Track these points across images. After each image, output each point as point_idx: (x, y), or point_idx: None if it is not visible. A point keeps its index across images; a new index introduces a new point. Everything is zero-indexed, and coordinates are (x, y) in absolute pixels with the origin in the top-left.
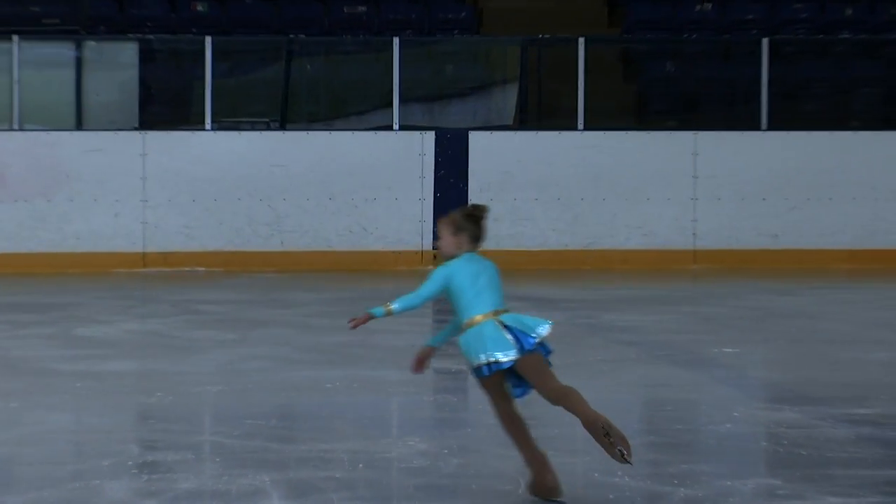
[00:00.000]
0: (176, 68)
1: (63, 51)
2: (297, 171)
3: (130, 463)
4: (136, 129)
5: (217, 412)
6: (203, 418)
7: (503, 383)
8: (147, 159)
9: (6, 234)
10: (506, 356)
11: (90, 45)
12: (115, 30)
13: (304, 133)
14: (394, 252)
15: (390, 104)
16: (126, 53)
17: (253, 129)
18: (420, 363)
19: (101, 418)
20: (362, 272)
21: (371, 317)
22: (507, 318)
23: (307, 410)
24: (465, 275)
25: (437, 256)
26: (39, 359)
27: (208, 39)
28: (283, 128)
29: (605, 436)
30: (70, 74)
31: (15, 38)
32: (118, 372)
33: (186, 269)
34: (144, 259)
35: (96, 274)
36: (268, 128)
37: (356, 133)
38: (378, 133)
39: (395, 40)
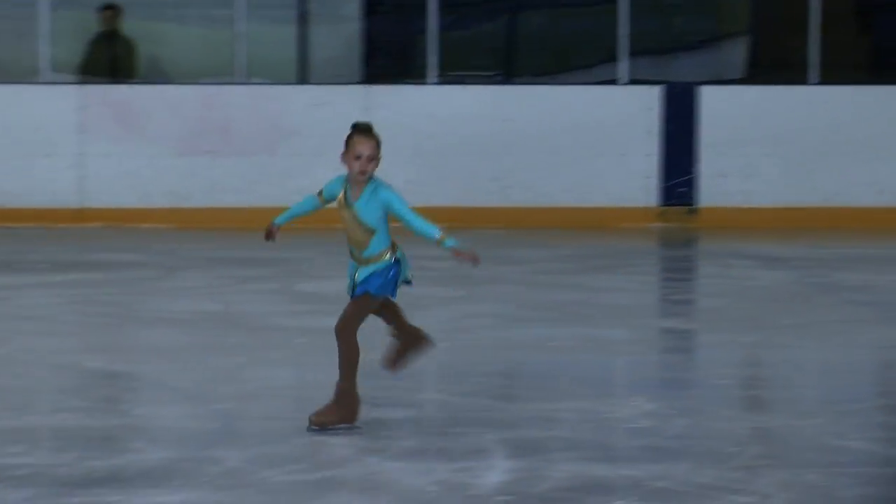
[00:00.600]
0: (399, 21)
1: (287, 4)
2: (521, 126)
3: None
4: (359, 83)
5: (440, 369)
6: (426, 375)
7: None
8: (370, 113)
9: (231, 188)
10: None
11: None
12: None
13: (528, 87)
14: (620, 209)
15: (616, 58)
16: (350, 6)
17: (477, 83)
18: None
19: (324, 374)
20: (587, 229)
21: (471, 255)
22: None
23: (531, 369)
24: None
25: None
26: (262, 314)
27: None
28: (507, 82)
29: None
30: (293, 28)
31: None
32: None
33: None
34: None
35: (318, 229)
36: (492, 82)
37: (582, 87)
38: (604, 87)
39: None
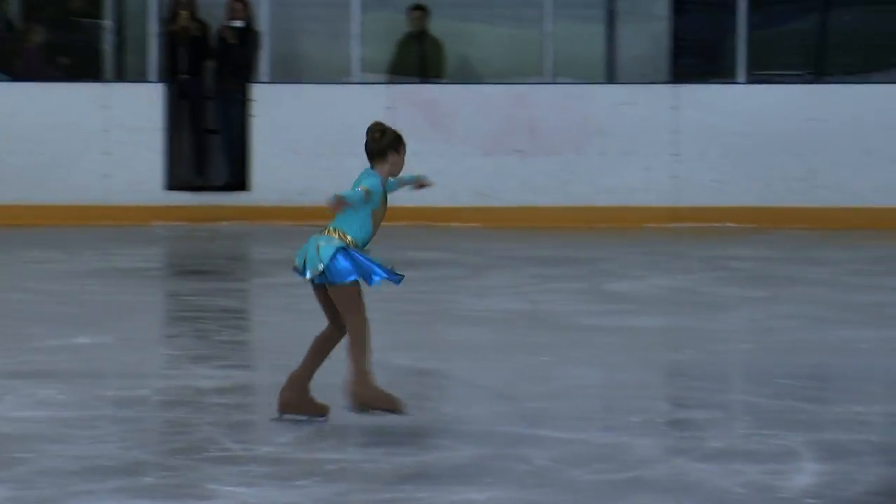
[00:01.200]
0: (708, 20)
1: (595, 3)
2: (831, 125)
3: (660, 420)
4: (666, 82)
5: (747, 370)
6: (733, 376)
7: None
8: (678, 112)
9: (538, 188)
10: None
11: None
12: None
13: (840, 86)
14: None
15: None
16: (658, 5)
17: (786, 81)
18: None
19: (631, 374)
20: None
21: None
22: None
23: (840, 371)
24: None
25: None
26: (569, 313)
27: None
28: (817, 80)
29: None
30: (601, 27)
31: None
32: (647, 328)
33: (716, 224)
34: (675, 214)
35: (626, 228)
36: (802, 80)
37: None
38: None
39: None
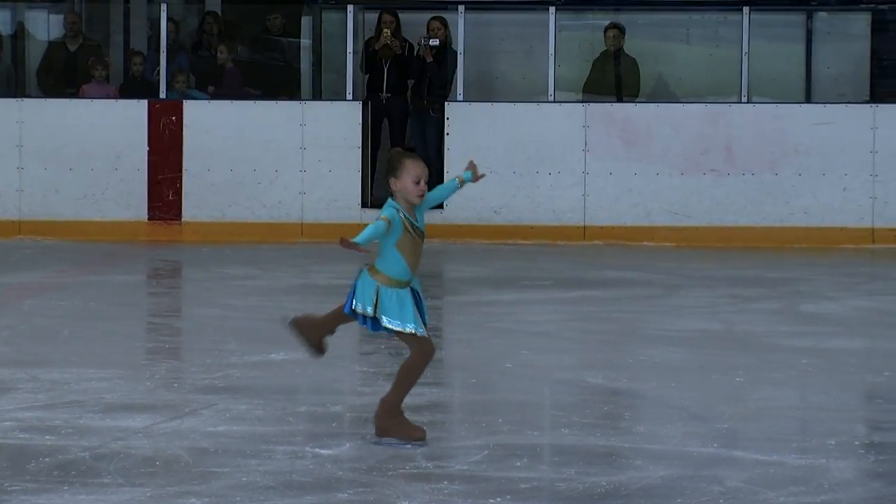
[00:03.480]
0: None
1: (793, 23)
2: None
3: (857, 443)
4: (866, 101)
5: None
6: None
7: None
8: (877, 133)
9: (734, 208)
10: None
11: (820, 17)
12: (846, 0)
13: None
14: None
15: None
16: (857, 24)
17: None
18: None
19: (827, 396)
20: None
21: None
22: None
23: None
24: None
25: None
26: (765, 334)
27: None
28: None
29: None
30: (799, 47)
31: (745, 9)
32: (843, 349)
33: None
34: (872, 235)
35: (822, 249)
36: None
37: None
38: None
39: None
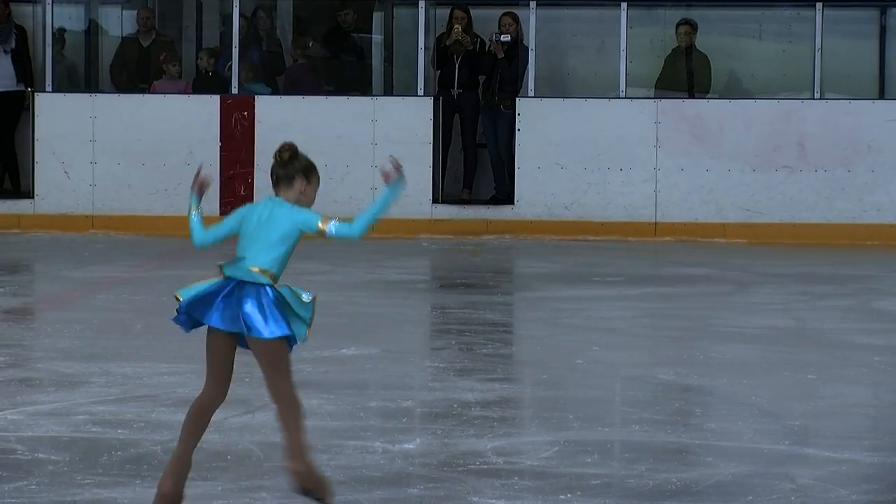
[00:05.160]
0: None
1: (866, 19)
2: None
3: None
4: None
5: None
6: None
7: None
8: None
9: (806, 205)
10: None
11: (894, 13)
12: None
13: None
14: None
15: None
16: None
17: None
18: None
19: None
20: None
21: None
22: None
23: None
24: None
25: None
26: (837, 331)
27: None
28: None
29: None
30: (872, 42)
31: (818, 5)
32: None
33: None
34: None
35: (895, 246)
36: None
37: None
38: None
39: None
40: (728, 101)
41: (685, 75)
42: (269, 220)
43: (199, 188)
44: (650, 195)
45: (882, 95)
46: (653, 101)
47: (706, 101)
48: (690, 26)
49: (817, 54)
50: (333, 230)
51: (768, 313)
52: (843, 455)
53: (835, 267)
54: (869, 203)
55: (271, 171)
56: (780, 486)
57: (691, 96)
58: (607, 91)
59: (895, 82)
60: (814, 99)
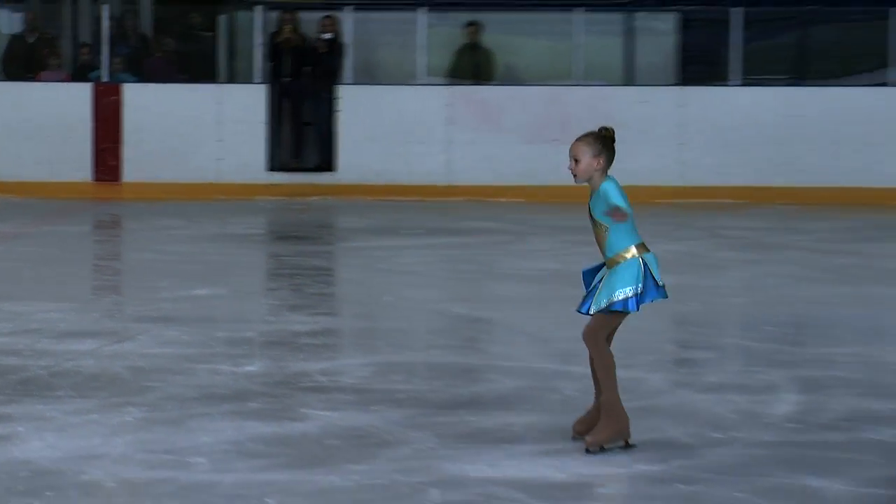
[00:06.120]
0: (709, 34)
1: (615, 20)
2: (809, 120)
3: (667, 359)
4: (675, 84)
5: (739, 319)
6: (727, 324)
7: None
8: (684, 111)
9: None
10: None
11: (638, 16)
12: (659, 2)
13: (818, 88)
14: (891, 189)
15: (886, 65)
16: (667, 23)
17: (773, 84)
18: None
19: (645, 322)
20: (865, 206)
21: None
22: (649, 258)
23: (815, 320)
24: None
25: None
26: None
27: None
28: (799, 84)
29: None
30: (620, 40)
31: (579, 9)
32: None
33: (714, 200)
34: (680, 192)
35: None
36: (787, 84)
37: (862, 88)
38: (877, 88)
39: (894, 10)
40: (507, 87)
41: (473, 67)
42: None
43: None
44: (445, 163)
45: (629, 82)
46: (446, 87)
47: (490, 87)
48: (476, 26)
49: (578, 49)
50: None
51: (541, 258)
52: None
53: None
54: (618, 168)
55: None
56: (549, 396)
57: (478, 84)
58: (410, 79)
59: (640, 72)
60: (575, 85)
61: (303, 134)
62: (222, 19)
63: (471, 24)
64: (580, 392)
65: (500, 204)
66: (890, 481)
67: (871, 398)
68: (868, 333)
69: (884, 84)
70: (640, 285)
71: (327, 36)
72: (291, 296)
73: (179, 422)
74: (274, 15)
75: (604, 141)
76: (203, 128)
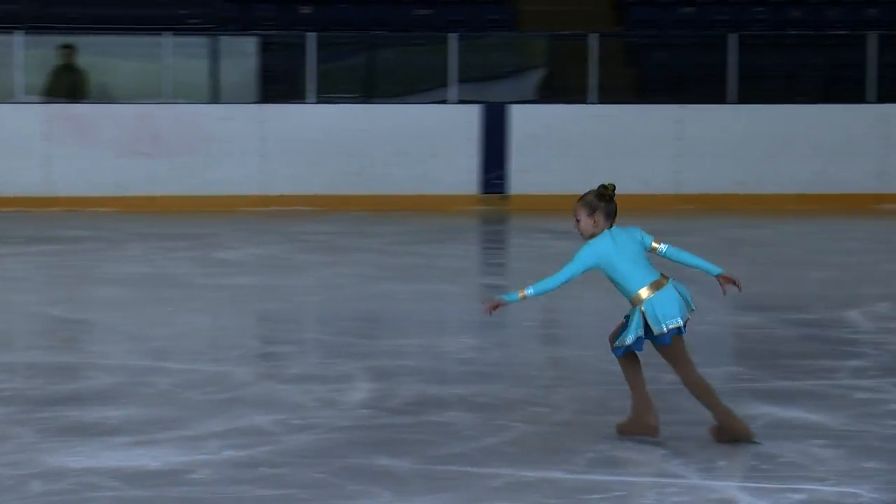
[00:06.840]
0: (287, 56)
1: (202, 43)
2: (378, 134)
3: (253, 353)
4: (256, 102)
5: (318, 316)
6: (307, 320)
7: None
8: (264, 126)
9: (161, 181)
10: (682, 319)
11: (223, 40)
12: (240, 29)
13: (383, 105)
14: (450, 196)
15: (446, 84)
16: (249, 46)
17: (345, 102)
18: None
19: (232, 320)
20: (427, 211)
21: (503, 303)
22: (647, 305)
23: (386, 315)
24: (612, 252)
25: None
26: (186, 275)
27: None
28: (367, 101)
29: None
30: (207, 61)
31: (167, 34)
32: (244, 285)
33: (296, 207)
34: (266, 200)
35: (225, 212)
36: (356, 101)
37: (422, 105)
38: (439, 106)
39: (452, 36)
40: (101, 105)
41: (69, 86)
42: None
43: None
44: (44, 176)
45: (215, 100)
46: (44, 105)
47: (85, 105)
48: (70, 48)
49: (167, 70)
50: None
51: (136, 263)
52: (192, 366)
53: (184, 227)
54: (210, 178)
55: (614, 204)
56: (144, 391)
57: (74, 102)
58: (8, 98)
59: (224, 90)
60: (166, 103)
61: None
62: None
63: (66, 46)
64: (173, 386)
65: (97, 213)
66: (451, 457)
67: (435, 384)
68: (432, 326)
69: (444, 101)
70: (640, 331)
71: None
72: None
73: None
74: None
75: (599, 199)
76: None
